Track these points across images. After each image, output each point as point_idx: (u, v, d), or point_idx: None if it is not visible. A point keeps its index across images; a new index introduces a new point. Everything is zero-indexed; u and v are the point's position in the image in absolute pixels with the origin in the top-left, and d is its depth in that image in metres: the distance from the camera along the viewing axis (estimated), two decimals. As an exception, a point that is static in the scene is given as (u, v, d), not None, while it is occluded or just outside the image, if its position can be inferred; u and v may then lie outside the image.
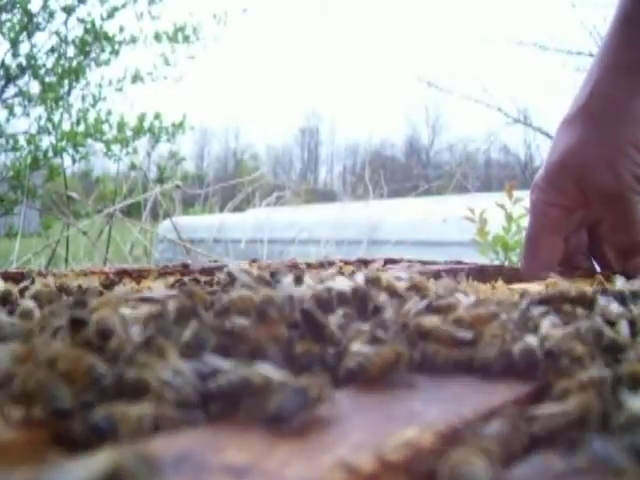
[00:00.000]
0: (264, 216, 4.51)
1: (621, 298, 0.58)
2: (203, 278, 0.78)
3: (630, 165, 0.90)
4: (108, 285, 0.73)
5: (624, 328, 0.48)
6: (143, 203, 3.92)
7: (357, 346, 0.42)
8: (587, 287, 0.77)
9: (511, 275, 0.98)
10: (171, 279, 0.81)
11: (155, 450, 0.28)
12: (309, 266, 0.91)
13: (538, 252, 0.98)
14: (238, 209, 5.67)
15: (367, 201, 5.08)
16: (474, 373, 0.44)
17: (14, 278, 0.71)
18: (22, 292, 0.61)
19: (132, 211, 4.10)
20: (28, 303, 0.51)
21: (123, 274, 0.82)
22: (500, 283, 0.77)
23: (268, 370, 0.36)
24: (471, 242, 2.35)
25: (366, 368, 0.40)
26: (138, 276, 0.82)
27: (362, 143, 29.92)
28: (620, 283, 0.65)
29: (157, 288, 0.71)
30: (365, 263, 1.00)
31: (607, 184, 0.91)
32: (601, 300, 0.56)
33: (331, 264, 0.94)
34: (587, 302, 0.53)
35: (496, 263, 2.13)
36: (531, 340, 0.44)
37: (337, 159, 31.43)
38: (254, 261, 0.90)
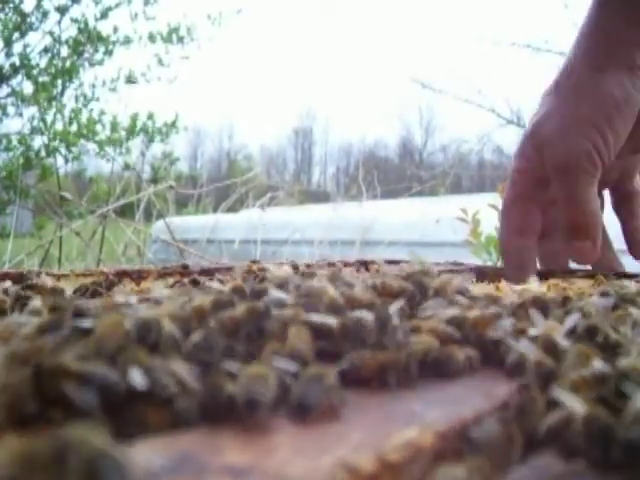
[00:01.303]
0: (257, 217, 4.50)
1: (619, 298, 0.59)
2: (202, 279, 0.78)
3: (583, 141, 0.89)
4: (108, 286, 0.73)
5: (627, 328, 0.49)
6: (136, 203, 3.91)
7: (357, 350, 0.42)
8: (587, 288, 0.77)
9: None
10: (171, 280, 0.81)
11: (155, 451, 0.28)
12: (309, 267, 0.91)
13: (510, 220, 0.99)
14: (232, 210, 5.66)
15: (360, 202, 5.08)
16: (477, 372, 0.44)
17: (14, 279, 0.70)
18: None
19: (125, 211, 4.09)
20: (36, 303, 0.50)
21: (123, 275, 0.82)
22: (504, 284, 0.77)
23: (284, 363, 0.37)
24: (464, 243, 2.35)
25: (357, 370, 0.40)
26: (138, 277, 0.82)
27: (355, 144, 30.03)
28: (628, 284, 0.66)
29: (157, 289, 0.71)
30: (365, 264, 1.00)
31: (557, 156, 0.91)
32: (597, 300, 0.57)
33: (331, 265, 0.94)
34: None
35: (489, 264, 2.14)
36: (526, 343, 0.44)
37: (330, 160, 31.52)
38: (254, 262, 0.90)
